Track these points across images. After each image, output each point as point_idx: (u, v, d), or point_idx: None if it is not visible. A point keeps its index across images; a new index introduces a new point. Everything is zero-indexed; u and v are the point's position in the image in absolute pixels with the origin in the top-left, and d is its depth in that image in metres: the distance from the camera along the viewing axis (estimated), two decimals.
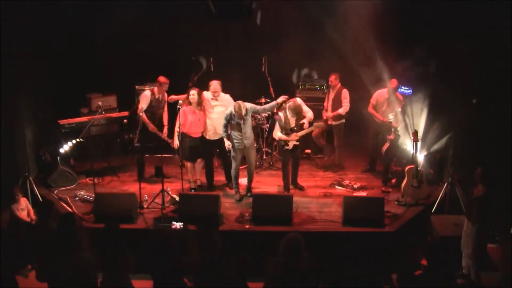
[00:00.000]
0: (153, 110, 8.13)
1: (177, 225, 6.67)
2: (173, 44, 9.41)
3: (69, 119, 8.48)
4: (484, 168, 6.00)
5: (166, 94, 8.20)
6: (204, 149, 7.96)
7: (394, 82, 8.21)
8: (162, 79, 8.09)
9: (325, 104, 8.93)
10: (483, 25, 7.04)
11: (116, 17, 8.66)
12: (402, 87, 8.81)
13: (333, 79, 8.56)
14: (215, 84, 7.76)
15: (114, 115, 8.93)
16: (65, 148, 8.29)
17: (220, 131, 7.67)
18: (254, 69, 9.21)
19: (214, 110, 7.78)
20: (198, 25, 9.28)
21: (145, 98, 8.11)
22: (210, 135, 7.87)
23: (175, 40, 9.40)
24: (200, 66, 9.40)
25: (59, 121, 8.41)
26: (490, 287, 6.16)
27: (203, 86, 8.01)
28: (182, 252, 5.23)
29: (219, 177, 8.35)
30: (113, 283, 5.12)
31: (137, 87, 9.42)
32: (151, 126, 8.02)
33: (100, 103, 8.52)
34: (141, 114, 7.92)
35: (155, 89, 8.13)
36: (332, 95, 8.65)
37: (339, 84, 8.57)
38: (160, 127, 8.16)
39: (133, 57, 9.14)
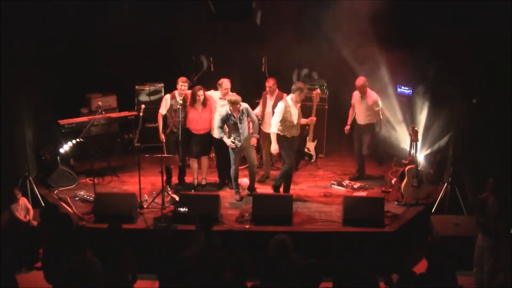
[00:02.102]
0: (175, 114, 7.78)
1: (182, 210, 6.86)
2: (173, 44, 9.41)
3: (69, 119, 8.47)
4: (496, 179, 5.95)
5: (188, 95, 7.84)
6: (217, 146, 8.02)
7: (358, 80, 8.07)
8: (179, 79, 7.82)
9: (259, 112, 8.16)
10: (483, 25, 7.04)
11: (116, 17, 8.67)
12: (402, 87, 8.82)
13: (271, 84, 7.93)
14: (226, 82, 7.73)
15: (114, 115, 8.92)
16: (65, 148, 8.28)
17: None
18: (254, 69, 9.21)
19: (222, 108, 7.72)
20: (198, 25, 9.28)
21: (163, 102, 7.94)
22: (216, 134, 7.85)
23: (175, 40, 9.40)
24: (201, 65, 9.40)
25: (59, 121, 8.40)
26: (490, 287, 6.15)
27: (203, 85, 8.00)
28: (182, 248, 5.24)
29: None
30: (113, 284, 5.12)
31: (137, 87, 9.43)
32: (161, 137, 7.89)
33: (100, 103, 8.53)
34: (160, 118, 7.91)
35: (175, 91, 7.89)
36: (271, 102, 7.98)
37: (277, 90, 8.05)
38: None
39: (133, 57, 9.14)
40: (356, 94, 8.29)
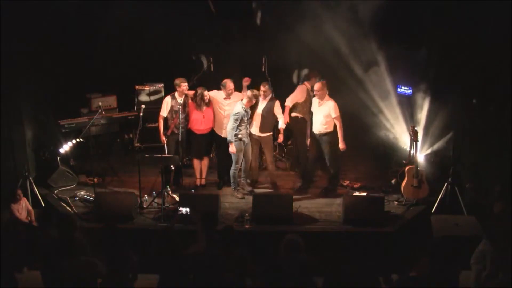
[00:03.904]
0: (175, 116, 7.78)
1: (184, 210, 6.90)
2: (173, 44, 9.41)
3: (69, 119, 8.48)
4: (503, 186, 5.95)
5: (189, 97, 7.86)
6: (217, 146, 8.07)
7: (316, 84, 7.73)
8: (176, 80, 7.83)
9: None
10: (483, 25, 7.04)
11: (116, 17, 8.66)
12: (402, 87, 8.81)
13: (266, 88, 7.73)
14: (230, 83, 7.76)
15: (114, 115, 8.93)
16: (65, 148, 8.29)
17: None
18: (254, 69, 9.21)
19: (230, 107, 7.76)
20: (198, 25, 9.28)
21: (164, 104, 7.91)
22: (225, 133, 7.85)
23: (175, 40, 9.40)
24: (201, 65, 9.40)
25: (59, 121, 8.41)
26: (490, 287, 6.15)
27: (203, 86, 8.01)
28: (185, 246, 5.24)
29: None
30: (114, 283, 5.12)
31: (137, 87, 9.42)
32: (162, 139, 7.83)
33: (100, 103, 8.53)
34: (161, 120, 7.88)
35: (176, 93, 7.89)
36: (262, 105, 7.81)
37: (271, 94, 7.92)
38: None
39: (133, 57, 9.14)
40: (314, 101, 7.91)
